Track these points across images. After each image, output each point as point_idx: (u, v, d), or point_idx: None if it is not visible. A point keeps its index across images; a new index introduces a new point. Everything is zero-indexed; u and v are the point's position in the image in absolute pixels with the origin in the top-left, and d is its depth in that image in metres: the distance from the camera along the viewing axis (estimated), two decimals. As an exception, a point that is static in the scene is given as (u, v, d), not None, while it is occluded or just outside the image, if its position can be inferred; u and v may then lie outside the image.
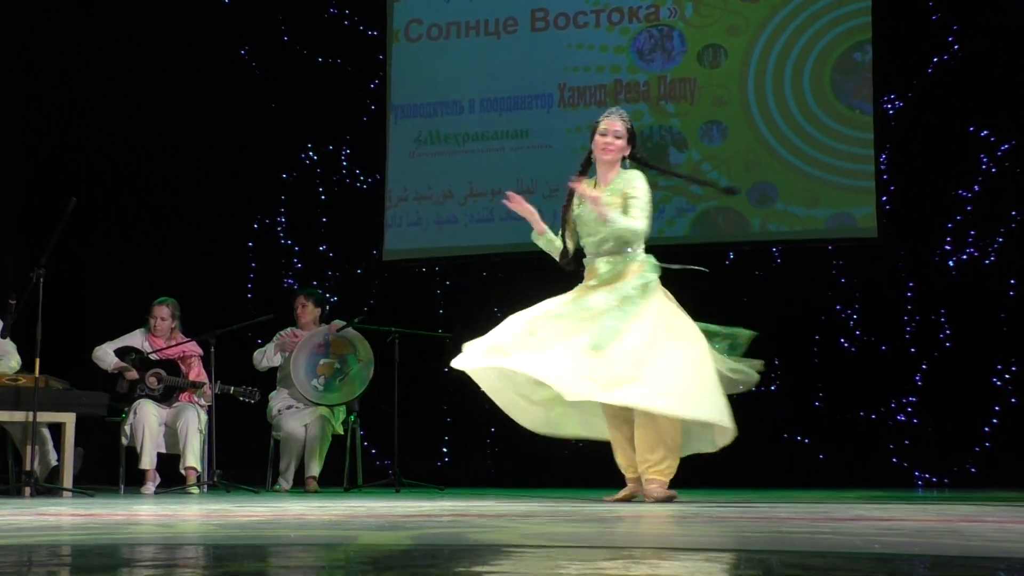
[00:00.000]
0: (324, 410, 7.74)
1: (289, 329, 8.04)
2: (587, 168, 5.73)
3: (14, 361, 7.26)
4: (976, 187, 8.21)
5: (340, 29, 9.67)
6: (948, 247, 8.23)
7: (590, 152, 5.71)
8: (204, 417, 7.60)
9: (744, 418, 8.25)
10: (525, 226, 8.99)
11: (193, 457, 7.43)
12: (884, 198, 8.33)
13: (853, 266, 8.40)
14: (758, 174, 8.57)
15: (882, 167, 8.35)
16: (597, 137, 5.62)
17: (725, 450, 8.10)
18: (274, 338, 8.06)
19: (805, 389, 8.33)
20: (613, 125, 5.58)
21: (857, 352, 8.29)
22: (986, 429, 7.98)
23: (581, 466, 8.55)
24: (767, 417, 8.29)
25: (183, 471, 7.47)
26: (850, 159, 8.41)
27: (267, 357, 8.00)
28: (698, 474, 7.96)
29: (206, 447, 7.54)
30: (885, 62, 8.42)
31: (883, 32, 8.44)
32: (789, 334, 8.39)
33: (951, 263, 8.22)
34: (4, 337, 7.11)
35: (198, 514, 4.24)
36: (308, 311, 7.99)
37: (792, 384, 8.35)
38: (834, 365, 8.29)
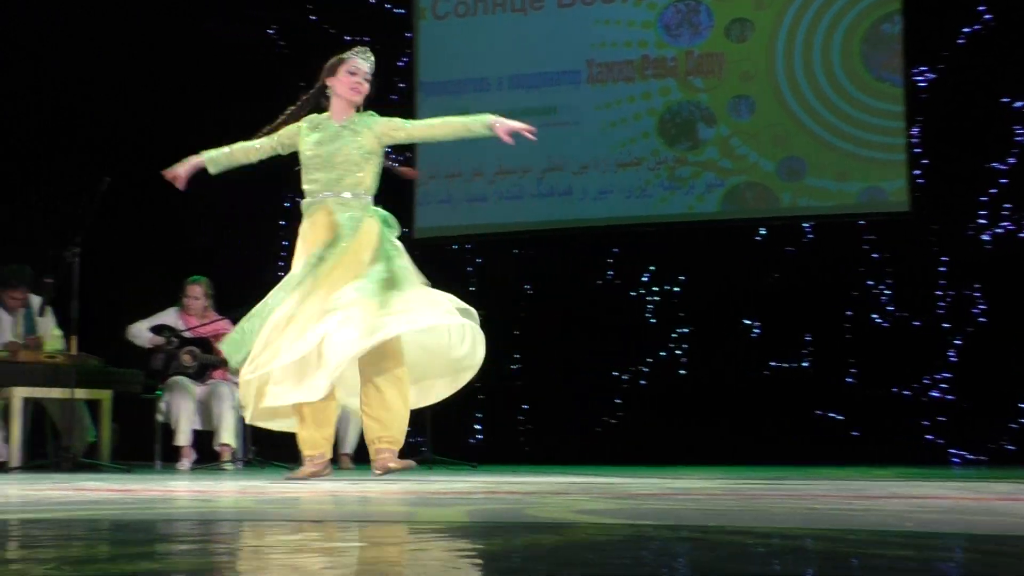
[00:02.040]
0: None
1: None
2: (309, 104, 5.60)
3: (60, 341, 7.35)
4: (1011, 159, 8.14)
5: (367, 7, 9.67)
6: (982, 220, 8.17)
7: (323, 87, 5.56)
8: (238, 394, 7.65)
9: (775, 394, 8.32)
10: (554, 203, 9.04)
11: (227, 434, 7.49)
12: (916, 172, 8.27)
13: (885, 241, 8.36)
14: (787, 148, 8.53)
15: (913, 140, 8.29)
16: (346, 76, 5.50)
17: (758, 426, 8.14)
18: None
19: (837, 365, 8.31)
20: (364, 68, 5.51)
21: (890, 328, 8.26)
22: (1022, 406, 7.93)
23: (614, 443, 8.58)
24: (799, 394, 8.29)
25: (217, 448, 7.54)
26: (880, 132, 8.35)
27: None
28: (729, 451, 8.00)
29: (241, 424, 7.60)
30: (915, 33, 8.34)
31: (913, 2, 8.36)
32: (820, 310, 8.38)
33: (985, 237, 8.16)
34: (41, 316, 7.19)
35: (232, 490, 4.28)
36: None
37: (824, 360, 8.33)
38: (866, 341, 8.26)
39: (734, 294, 8.61)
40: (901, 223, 8.29)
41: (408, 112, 9.30)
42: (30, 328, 7.39)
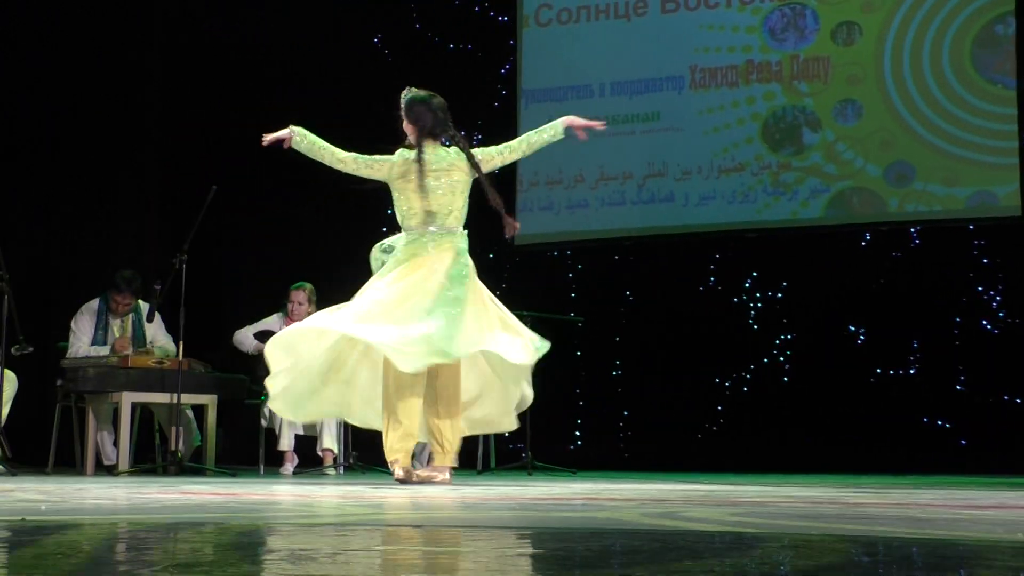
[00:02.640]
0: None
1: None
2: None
3: (171, 344, 7.49)
4: None
5: (471, 15, 9.73)
6: (1096, 225, 7.94)
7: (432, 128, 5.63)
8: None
9: (881, 402, 8.17)
10: (656, 210, 8.99)
11: (329, 439, 7.57)
12: (1029, 176, 8.06)
13: (996, 246, 8.16)
14: (895, 153, 8.38)
15: (1026, 143, 8.09)
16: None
17: (863, 435, 8.00)
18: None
19: (946, 372, 8.13)
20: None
21: (1000, 334, 8.06)
22: None
23: (716, 450, 8.50)
24: (906, 401, 8.13)
25: (320, 452, 7.62)
26: (992, 136, 8.17)
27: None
28: (833, 459, 7.88)
29: (342, 429, 7.67)
30: (1030, 35, 8.14)
31: (1028, 3, 8.16)
32: (929, 316, 8.21)
33: (1100, 242, 7.93)
34: (150, 321, 7.34)
35: (334, 495, 4.32)
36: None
37: (932, 367, 8.16)
38: (976, 348, 8.08)
39: (839, 300, 8.48)
40: (1013, 228, 8.09)
41: (511, 119, 9.34)
42: (138, 334, 7.55)
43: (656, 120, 8.96)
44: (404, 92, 5.71)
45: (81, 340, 7.43)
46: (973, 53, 8.26)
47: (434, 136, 5.60)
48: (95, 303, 7.54)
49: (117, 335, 7.52)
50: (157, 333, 7.58)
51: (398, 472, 5.35)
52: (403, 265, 5.47)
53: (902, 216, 8.36)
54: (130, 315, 7.60)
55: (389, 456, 5.39)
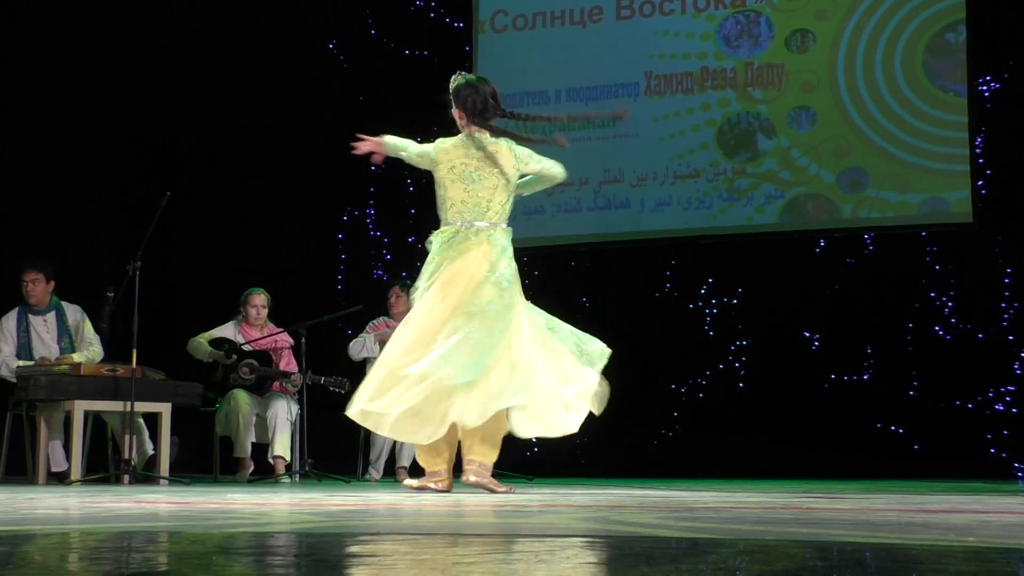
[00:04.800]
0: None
1: (382, 319, 8.09)
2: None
3: (92, 353, 7.44)
4: (1075, 170, 8.01)
5: (426, 21, 9.72)
6: (1047, 231, 8.04)
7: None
8: (295, 407, 7.70)
9: (836, 408, 8.22)
10: (612, 216, 9.02)
11: (280, 446, 7.53)
12: (980, 182, 8.16)
13: (948, 252, 8.24)
14: (848, 160, 8.44)
15: (977, 151, 8.18)
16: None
17: (817, 440, 8.06)
18: (367, 327, 8.09)
19: (899, 378, 8.19)
20: None
21: (953, 340, 8.14)
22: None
23: (672, 456, 8.53)
24: (860, 407, 8.19)
25: (271, 460, 7.58)
26: (943, 143, 8.25)
27: (367, 347, 7.93)
28: (788, 464, 7.92)
29: (298, 437, 7.64)
30: (980, 42, 8.24)
31: (977, 11, 8.25)
32: (882, 322, 8.28)
33: (1050, 248, 8.02)
34: (98, 331, 7.29)
35: (289, 503, 4.30)
36: (402, 301, 8.02)
37: (886, 373, 8.23)
38: (929, 353, 8.15)
39: (794, 306, 8.54)
40: (964, 234, 8.18)
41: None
42: (62, 332, 7.48)
43: (612, 127, 8.98)
44: (454, 77, 5.56)
45: (3, 352, 7.35)
46: (925, 60, 8.35)
47: (483, 121, 5.41)
48: (14, 312, 7.46)
49: (43, 339, 7.43)
50: (92, 340, 7.52)
51: (429, 484, 5.24)
52: (439, 280, 5.23)
53: (856, 222, 8.42)
54: (52, 313, 7.50)
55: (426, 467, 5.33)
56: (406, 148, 5.52)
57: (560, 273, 9.13)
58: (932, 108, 8.31)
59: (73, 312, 7.55)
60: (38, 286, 7.41)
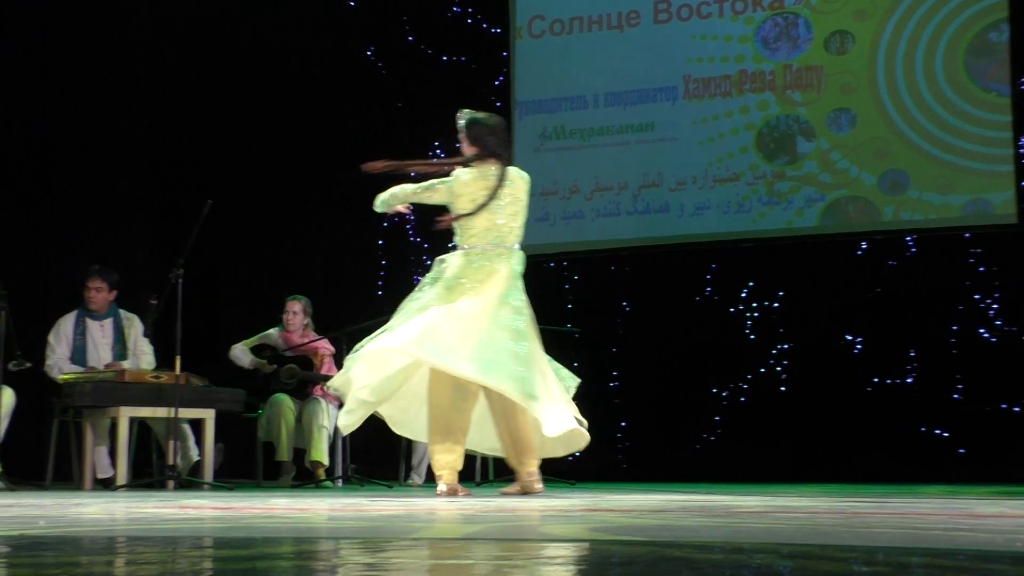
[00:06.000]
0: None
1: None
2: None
3: (144, 362, 7.49)
4: (1121, 170, 7.91)
5: (464, 27, 9.74)
6: (1092, 232, 7.94)
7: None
8: (334, 412, 7.73)
9: (879, 411, 8.16)
10: (652, 220, 9.00)
11: (316, 451, 7.57)
12: (1024, 183, 8.08)
13: (992, 253, 8.17)
14: (889, 162, 8.39)
15: (1021, 151, 8.10)
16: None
17: (861, 444, 8.00)
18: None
19: (943, 381, 8.12)
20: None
21: (998, 342, 8.06)
22: None
23: (714, 460, 8.50)
24: (903, 410, 8.13)
25: (308, 465, 7.62)
26: (986, 143, 8.18)
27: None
28: (830, 469, 7.87)
29: (339, 442, 7.66)
30: (1023, 41, 8.15)
31: (1020, 10, 8.16)
32: (926, 325, 8.21)
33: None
34: (146, 336, 7.34)
35: (330, 508, 4.31)
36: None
37: (929, 376, 8.16)
38: (973, 356, 8.07)
39: (835, 309, 8.48)
40: (1009, 235, 8.10)
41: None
42: (118, 341, 7.54)
43: (650, 130, 8.97)
44: (460, 113, 5.82)
45: (57, 353, 7.41)
46: (967, 61, 8.28)
47: (496, 156, 5.73)
48: (72, 315, 7.52)
49: (99, 344, 7.48)
50: (145, 350, 7.58)
51: (441, 487, 5.32)
52: (460, 284, 5.59)
53: (897, 225, 8.36)
54: (109, 320, 7.55)
55: (436, 470, 5.39)
56: (402, 193, 6.04)
57: (600, 278, 9.13)
58: (975, 108, 8.24)
59: (130, 321, 7.61)
60: (100, 294, 7.49)
